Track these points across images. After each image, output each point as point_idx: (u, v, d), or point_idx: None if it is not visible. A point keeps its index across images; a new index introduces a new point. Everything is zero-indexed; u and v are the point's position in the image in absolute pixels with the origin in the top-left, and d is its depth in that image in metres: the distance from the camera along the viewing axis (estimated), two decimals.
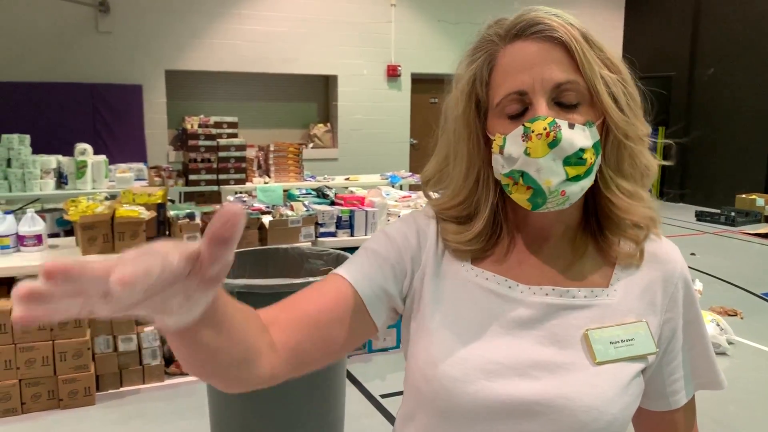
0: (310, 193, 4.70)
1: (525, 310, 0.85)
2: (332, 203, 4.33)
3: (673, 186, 11.07)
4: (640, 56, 11.65)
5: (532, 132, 0.79)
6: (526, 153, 0.79)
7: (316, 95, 10.28)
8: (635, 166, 0.85)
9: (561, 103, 0.81)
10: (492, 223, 0.89)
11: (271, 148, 6.60)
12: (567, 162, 0.79)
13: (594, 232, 0.89)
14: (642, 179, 0.86)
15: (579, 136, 0.79)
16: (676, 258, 0.91)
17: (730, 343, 4.28)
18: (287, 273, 2.83)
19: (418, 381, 0.85)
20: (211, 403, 2.56)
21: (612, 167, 0.84)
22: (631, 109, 0.83)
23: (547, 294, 0.86)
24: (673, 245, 0.93)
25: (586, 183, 0.81)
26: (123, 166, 6.67)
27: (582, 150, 0.79)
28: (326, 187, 4.80)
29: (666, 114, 11.33)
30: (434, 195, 0.95)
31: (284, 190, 5.22)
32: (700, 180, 10.65)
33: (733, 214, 8.84)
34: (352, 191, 4.83)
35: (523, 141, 0.80)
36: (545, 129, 0.78)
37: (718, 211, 9.13)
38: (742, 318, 4.89)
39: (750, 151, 9.76)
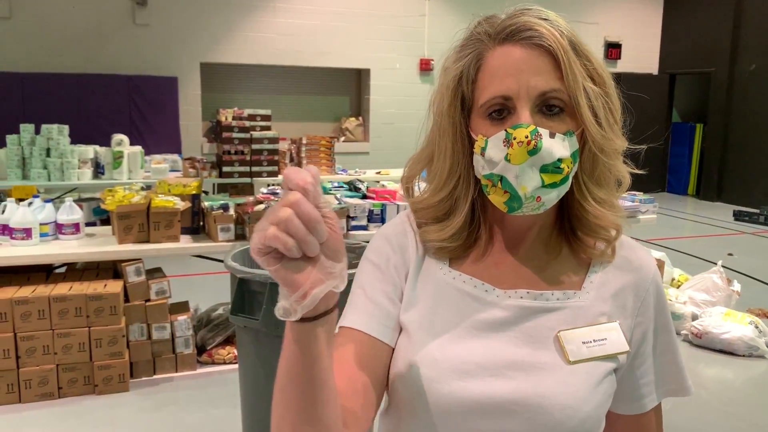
0: (342, 187, 4.70)
1: (500, 312, 0.87)
2: (364, 197, 4.32)
3: (710, 185, 10.84)
4: (679, 52, 11.52)
5: (514, 139, 0.80)
6: (507, 159, 0.81)
7: (349, 89, 10.29)
8: (609, 176, 0.87)
9: (544, 111, 0.82)
10: (471, 220, 0.91)
11: (304, 141, 6.62)
12: (544, 169, 0.81)
13: (567, 233, 0.92)
14: (615, 188, 0.89)
15: (558, 146, 0.81)
16: (649, 265, 0.94)
17: None
18: None
19: (395, 382, 0.87)
20: (243, 393, 2.58)
21: (587, 175, 0.86)
22: (609, 123, 0.84)
23: (521, 297, 0.88)
24: (647, 252, 0.96)
25: (562, 190, 0.84)
26: (158, 157, 6.76)
27: (560, 160, 0.81)
28: (358, 180, 4.80)
29: (704, 111, 11.09)
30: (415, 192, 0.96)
31: None
32: (738, 179, 10.40)
33: None
34: (383, 185, 4.82)
35: (505, 146, 0.81)
36: (527, 137, 0.79)
37: (758, 210, 8.91)
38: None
39: None
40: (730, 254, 6.77)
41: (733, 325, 4.17)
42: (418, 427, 0.86)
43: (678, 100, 11.90)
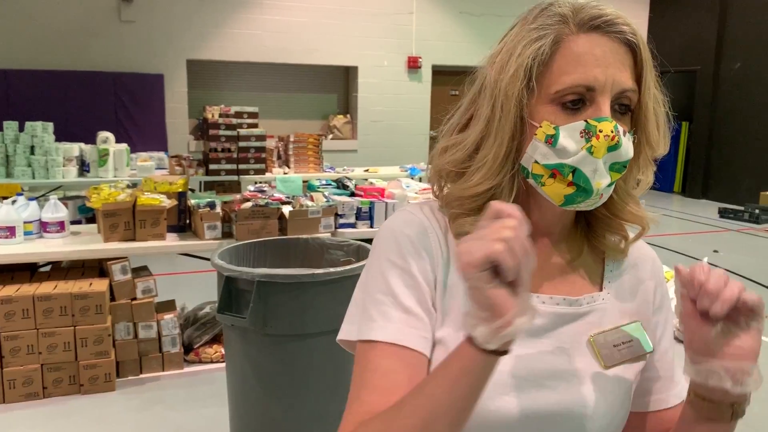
0: (330, 184, 4.69)
1: (537, 320, 0.81)
2: (352, 194, 4.31)
3: (696, 183, 10.92)
4: (665, 50, 11.53)
5: (600, 132, 0.77)
6: (590, 151, 0.77)
7: (337, 86, 10.27)
8: (639, 175, 0.87)
9: (616, 108, 0.80)
10: None
11: (291, 139, 6.60)
12: (612, 167, 0.80)
13: (584, 229, 0.92)
14: (637, 188, 0.89)
15: (630, 145, 0.80)
16: (655, 260, 0.95)
17: None
18: (308, 263, 2.83)
19: None
20: (231, 392, 2.57)
21: (627, 176, 0.86)
22: (663, 128, 0.85)
23: (557, 304, 0.85)
24: (651, 250, 0.97)
25: (612, 188, 0.83)
26: (144, 154, 6.71)
27: (628, 159, 0.81)
28: (346, 178, 4.79)
29: (690, 109, 11.17)
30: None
31: (303, 181, 5.22)
32: (723, 176, 10.49)
33: (757, 211, 8.69)
34: (371, 183, 4.81)
35: (582, 137, 0.78)
36: (612, 132, 0.77)
37: (742, 208, 8.99)
38: (766, 317, 4.80)
39: None
40: (716, 251, 6.83)
41: None
42: None
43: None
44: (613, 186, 0.81)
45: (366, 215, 4.00)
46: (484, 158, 0.82)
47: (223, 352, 3.31)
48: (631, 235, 0.91)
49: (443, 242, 0.85)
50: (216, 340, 3.86)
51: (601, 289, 0.89)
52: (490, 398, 0.78)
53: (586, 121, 0.78)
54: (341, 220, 3.92)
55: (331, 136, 9.87)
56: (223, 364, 2.72)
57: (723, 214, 9.13)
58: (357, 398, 0.78)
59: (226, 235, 3.68)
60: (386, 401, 0.74)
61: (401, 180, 4.80)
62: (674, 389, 0.93)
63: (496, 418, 0.78)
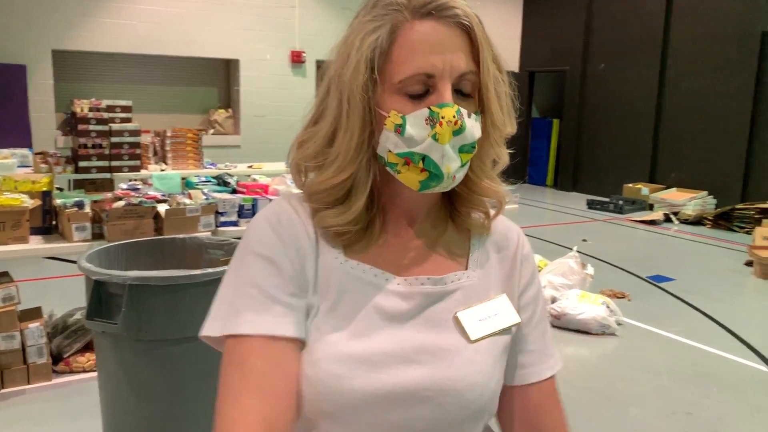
0: (210, 181, 4.54)
1: (402, 300, 0.86)
2: (234, 191, 4.20)
3: (566, 176, 11.60)
4: (538, 51, 12.17)
5: (442, 118, 0.79)
6: (435, 138, 0.79)
7: (217, 80, 9.97)
8: (493, 155, 0.90)
9: (458, 92, 0.82)
10: (370, 201, 0.87)
11: (168, 134, 6.33)
12: (462, 149, 0.81)
13: (449, 208, 0.94)
14: (495, 166, 0.91)
15: (476, 126, 0.83)
16: (520, 237, 0.98)
17: (618, 324, 4.53)
18: (185, 264, 2.71)
19: (300, 383, 0.81)
20: (104, 402, 2.42)
21: (480, 155, 0.88)
22: (507, 108, 0.87)
23: (422, 284, 0.88)
24: (515, 226, 1.00)
25: (466, 169, 0.85)
26: (5, 151, 6.18)
27: (476, 140, 0.83)
28: (227, 174, 4.65)
29: (560, 107, 11.84)
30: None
31: (182, 178, 5.02)
32: (591, 170, 11.21)
33: (620, 202, 9.37)
34: (255, 179, 4.71)
35: (427, 124, 0.79)
36: (454, 117, 0.79)
37: (608, 199, 9.65)
38: (629, 300, 5.19)
39: (637, 142, 10.36)
40: (585, 240, 7.28)
41: (587, 306, 4.49)
42: (329, 427, 0.82)
43: (537, 97, 12.62)
44: (466, 166, 0.84)
45: (249, 213, 3.90)
46: (337, 151, 0.84)
47: None
48: (493, 212, 0.95)
49: (311, 232, 0.86)
50: (88, 348, 3.63)
51: (466, 267, 0.91)
52: (353, 376, 0.79)
53: (429, 108, 0.80)
54: (222, 218, 3.81)
55: (212, 131, 9.58)
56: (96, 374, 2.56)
57: (591, 205, 9.75)
58: (237, 402, 0.76)
59: (97, 236, 3.46)
60: (269, 405, 0.75)
61: (286, 176, 4.73)
62: (545, 362, 0.95)
63: (360, 396, 0.79)
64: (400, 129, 0.80)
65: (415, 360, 0.82)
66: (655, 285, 5.71)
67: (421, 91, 0.81)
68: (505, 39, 11.97)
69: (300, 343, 0.81)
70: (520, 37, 12.25)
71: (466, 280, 0.90)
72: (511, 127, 0.88)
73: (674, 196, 9.26)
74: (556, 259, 5.26)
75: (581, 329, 4.43)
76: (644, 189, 9.66)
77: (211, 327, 0.83)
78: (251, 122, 9.77)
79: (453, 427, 0.84)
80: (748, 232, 7.73)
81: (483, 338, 0.86)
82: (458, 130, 0.80)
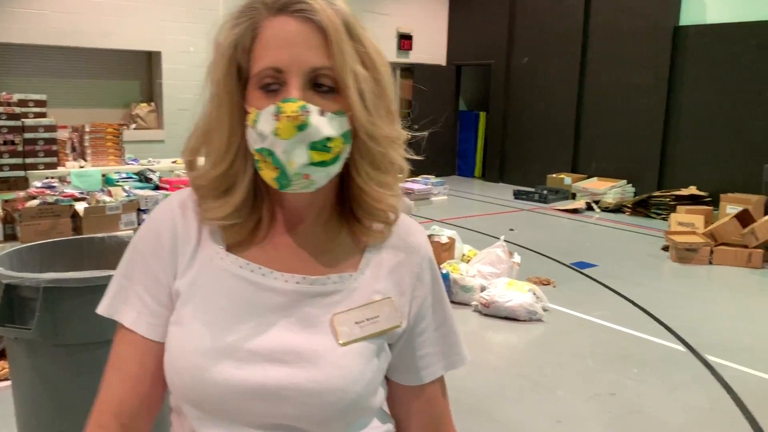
0: (131, 178, 4.38)
1: (277, 297, 0.87)
2: (156, 188, 4.07)
3: (494, 168, 11.84)
4: (465, 45, 12.33)
5: (283, 113, 0.79)
6: (275, 133, 0.80)
7: (139, 73, 9.63)
8: (385, 160, 0.87)
9: (317, 88, 0.82)
10: (253, 197, 0.90)
11: (87, 129, 6.06)
12: (313, 147, 0.81)
13: (347, 215, 0.93)
14: (393, 173, 0.89)
15: (327, 125, 0.81)
16: (424, 243, 0.98)
17: (545, 310, 4.67)
18: (105, 264, 2.61)
19: (169, 374, 0.86)
20: (19, 412, 2.30)
21: (363, 157, 0.86)
22: (376, 109, 0.84)
23: (298, 282, 0.88)
24: (422, 232, 1.00)
25: (333, 170, 0.84)
26: None
27: (328, 138, 0.81)
28: (149, 170, 4.50)
29: (487, 100, 12.06)
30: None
31: (103, 175, 4.83)
32: (517, 161, 11.49)
33: (545, 192, 9.64)
34: (179, 174, 4.58)
35: (274, 120, 0.80)
36: (294, 112, 0.79)
37: (533, 189, 9.91)
38: (554, 287, 5.36)
39: (559, 134, 10.68)
40: (512, 229, 7.46)
41: (515, 293, 4.60)
42: (196, 418, 0.86)
43: (464, 90, 12.81)
44: (325, 167, 0.82)
45: None
46: (211, 146, 0.87)
47: None
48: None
49: (195, 225, 0.90)
50: (3, 355, 3.45)
51: (356, 269, 0.91)
52: (218, 370, 0.82)
53: (276, 104, 0.80)
54: (145, 216, 3.69)
55: (134, 125, 9.25)
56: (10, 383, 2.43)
57: (517, 195, 9.99)
58: (105, 377, 0.89)
59: (9, 237, 3.29)
60: (127, 387, 0.87)
61: None
62: (443, 362, 0.98)
63: (224, 390, 0.82)
64: (255, 125, 0.82)
65: (280, 359, 0.84)
66: (578, 271, 5.91)
67: (275, 87, 0.82)
68: (432, 33, 12.08)
69: (155, 344, 0.88)
70: (446, 31, 12.39)
71: (352, 283, 0.90)
72: (390, 130, 0.86)
73: (595, 185, 9.60)
74: (485, 249, 5.36)
75: (509, 316, 4.54)
76: (567, 179, 9.98)
77: (102, 305, 0.92)
78: (175, 116, 9.49)
79: (319, 426, 0.85)
80: (664, 219, 8.11)
81: (354, 341, 0.86)
82: (301, 126, 0.79)
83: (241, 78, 0.85)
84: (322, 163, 0.82)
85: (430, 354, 0.96)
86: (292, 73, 0.80)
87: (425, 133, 1.00)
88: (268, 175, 0.83)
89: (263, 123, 0.81)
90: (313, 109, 0.80)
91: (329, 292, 0.89)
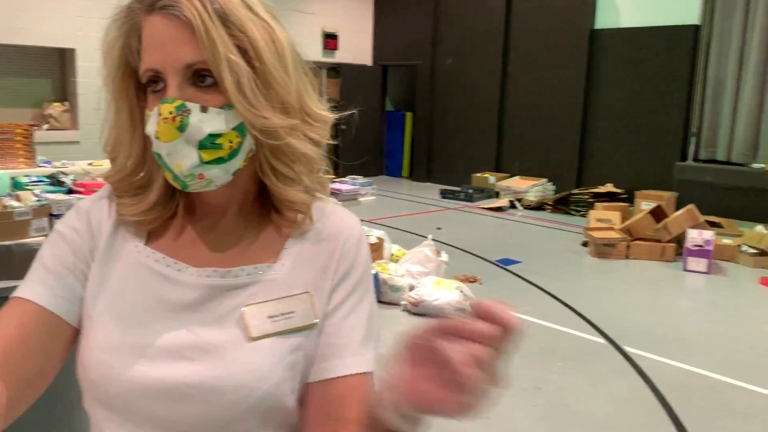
0: (42, 181, 4.16)
1: (189, 292, 0.84)
2: (70, 191, 3.88)
3: (421, 167, 11.96)
4: (391, 45, 12.38)
5: (159, 115, 0.77)
6: (156, 136, 0.78)
7: (51, 71, 9.17)
8: (281, 153, 0.83)
9: (199, 83, 0.79)
10: (171, 193, 0.88)
11: None
12: (202, 146, 0.78)
13: (270, 207, 0.90)
14: (296, 165, 0.85)
15: (212, 121, 0.78)
16: (348, 229, 0.92)
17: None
18: (13, 274, 2.45)
19: (79, 371, 0.83)
20: None
21: (268, 152, 0.83)
22: (259, 100, 0.79)
23: (208, 275, 0.85)
24: (350, 217, 0.95)
25: (232, 165, 0.81)
26: None
27: (214, 135, 0.78)
28: (61, 173, 4.29)
29: (413, 101, 12.17)
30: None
31: (11, 178, 4.56)
32: (443, 160, 11.64)
33: (470, 191, 9.81)
34: (95, 177, 4.38)
35: (157, 122, 0.78)
36: (171, 113, 0.76)
37: (459, 188, 10.07)
38: (481, 284, 5.45)
39: (483, 133, 10.89)
40: (439, 228, 7.55)
41: (442, 292, 4.64)
42: (104, 419, 0.83)
43: (391, 90, 12.88)
44: (222, 164, 0.79)
45: None
46: (121, 149, 0.86)
47: None
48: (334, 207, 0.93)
49: (114, 217, 0.88)
50: None
51: (274, 261, 0.87)
52: (124, 367, 0.80)
53: (158, 105, 0.78)
54: (57, 222, 3.50)
55: (46, 126, 8.81)
56: None
57: (444, 194, 10.13)
58: None
59: None
60: None
61: None
62: (347, 359, 0.85)
63: (129, 388, 0.80)
64: (147, 127, 0.81)
65: (186, 356, 0.81)
66: (503, 268, 6.04)
67: (160, 87, 0.79)
68: (357, 33, 12.08)
69: (59, 320, 0.82)
70: (372, 31, 12.42)
71: (270, 274, 0.86)
72: (278, 121, 0.80)
73: (518, 183, 9.85)
74: (413, 248, 5.39)
75: (438, 314, 4.57)
76: (491, 178, 10.19)
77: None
78: (91, 116, 9.09)
79: (224, 426, 0.81)
80: (583, 215, 8.40)
81: (264, 337, 0.82)
82: (181, 126, 0.76)
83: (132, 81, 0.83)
84: (218, 161, 0.79)
85: (336, 345, 0.86)
86: (168, 72, 0.77)
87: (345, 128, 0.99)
88: (168, 176, 0.80)
89: (150, 125, 0.79)
90: (194, 107, 0.77)
91: (244, 284, 0.85)
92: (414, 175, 12.11)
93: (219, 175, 0.80)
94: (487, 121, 10.81)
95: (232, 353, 0.81)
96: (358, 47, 12.13)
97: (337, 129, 0.93)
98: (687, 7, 8.50)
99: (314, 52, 11.13)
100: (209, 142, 0.77)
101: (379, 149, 12.46)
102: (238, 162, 0.81)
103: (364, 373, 0.86)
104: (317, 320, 0.86)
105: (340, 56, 11.74)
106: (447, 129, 11.51)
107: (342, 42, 11.76)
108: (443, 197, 10.06)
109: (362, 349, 0.87)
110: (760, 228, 6.90)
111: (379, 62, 12.36)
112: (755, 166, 8.02)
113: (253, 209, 0.90)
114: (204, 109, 0.77)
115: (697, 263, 6.08)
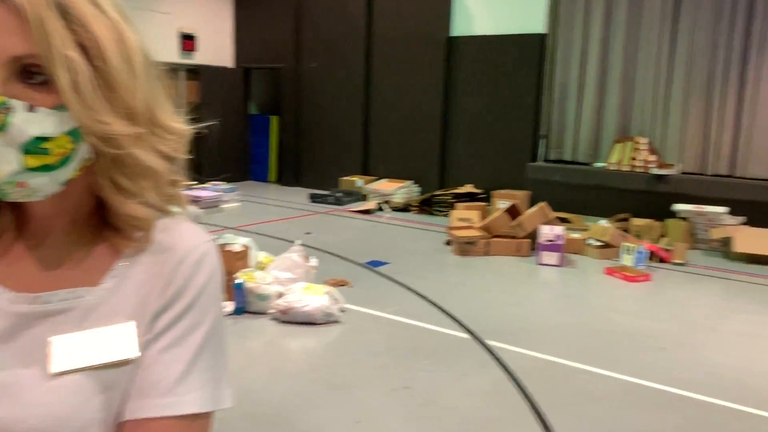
0: None
1: (1, 321, 0.75)
2: None
3: (289, 172, 11.85)
4: (253, 47, 12.11)
5: None
6: None
7: None
8: (121, 164, 0.74)
9: (28, 79, 0.69)
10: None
11: None
12: (27, 150, 0.68)
13: (106, 224, 0.80)
14: (139, 178, 0.76)
15: (39, 122, 0.68)
16: (188, 245, 0.82)
17: (342, 311, 4.75)
18: None
19: None
20: None
21: (109, 162, 0.74)
22: (100, 103, 0.71)
23: (15, 302, 0.76)
24: (198, 236, 0.85)
25: (62, 174, 0.71)
26: None
27: (41, 138, 0.69)
28: None
29: (279, 104, 12.03)
30: None
31: None
32: (311, 164, 11.61)
33: (339, 194, 9.86)
34: None
35: None
36: None
37: (328, 192, 10.09)
38: (351, 287, 5.48)
39: (350, 137, 10.99)
40: (308, 233, 7.51)
41: (312, 297, 4.62)
42: None
43: (255, 94, 12.64)
44: (50, 172, 0.70)
45: None
46: None
47: None
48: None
49: None
50: None
51: (96, 284, 0.78)
52: None
53: None
54: None
55: None
56: None
57: (313, 198, 10.09)
58: None
59: None
60: None
61: None
62: (155, 399, 0.76)
63: None
64: None
65: None
66: (372, 270, 6.12)
67: None
68: (216, 34, 11.74)
69: None
70: (232, 32, 12.12)
71: (88, 300, 0.77)
72: (122, 128, 0.72)
73: (385, 186, 10.03)
74: (281, 254, 5.32)
75: (307, 321, 4.55)
76: (358, 181, 10.30)
77: None
78: None
79: None
80: (446, 215, 8.71)
81: (68, 373, 0.73)
82: (1, 126, 0.66)
83: None
84: (44, 168, 0.69)
85: (152, 381, 0.77)
86: None
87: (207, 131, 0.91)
88: None
89: None
90: (18, 105, 0.67)
91: (55, 311, 0.75)
92: (282, 180, 11.97)
93: (45, 185, 0.70)
94: (353, 124, 10.91)
95: (29, 393, 0.72)
96: (217, 49, 11.79)
97: (196, 134, 0.85)
98: (534, 16, 9.07)
99: (170, 53, 10.68)
100: (35, 147, 0.68)
101: (243, 154, 12.19)
102: (69, 171, 0.72)
103: (182, 416, 0.76)
104: (139, 354, 0.76)
105: (199, 58, 11.35)
106: (314, 132, 11.49)
107: (201, 43, 11.38)
108: (313, 201, 10.02)
109: (179, 388, 0.77)
110: (603, 222, 7.51)
111: (241, 64, 12.10)
112: (597, 165, 8.72)
113: (89, 225, 0.80)
114: (32, 109, 0.68)
115: (550, 257, 6.51)
